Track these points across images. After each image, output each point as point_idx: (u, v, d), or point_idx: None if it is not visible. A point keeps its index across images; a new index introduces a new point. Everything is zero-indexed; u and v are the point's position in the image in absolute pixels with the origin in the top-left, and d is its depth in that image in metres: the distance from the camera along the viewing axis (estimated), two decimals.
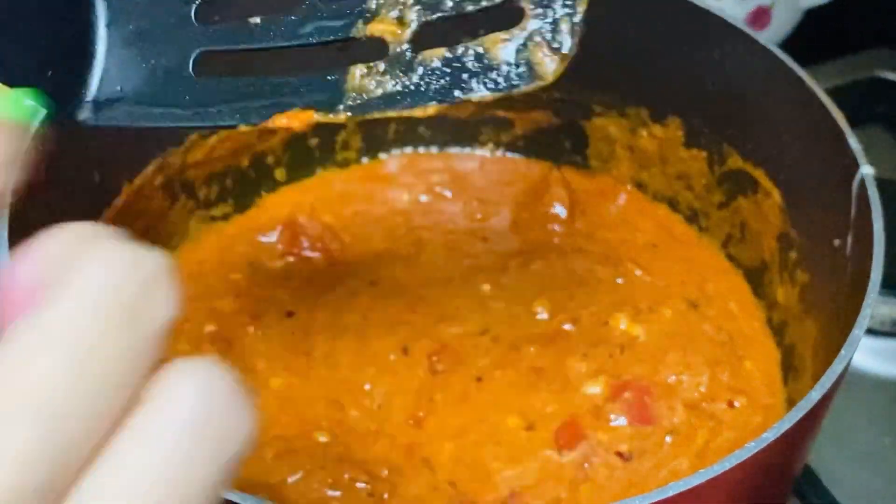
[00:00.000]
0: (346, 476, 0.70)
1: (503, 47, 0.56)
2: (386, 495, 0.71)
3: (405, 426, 0.75)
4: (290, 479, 0.71)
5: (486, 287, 0.85)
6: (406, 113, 0.55)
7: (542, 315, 0.83)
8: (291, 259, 0.87)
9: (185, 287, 0.88)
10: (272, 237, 0.88)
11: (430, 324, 0.82)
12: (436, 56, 0.56)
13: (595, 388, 0.78)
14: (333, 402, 0.77)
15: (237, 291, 0.85)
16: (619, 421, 0.76)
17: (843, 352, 0.59)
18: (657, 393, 0.77)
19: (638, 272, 0.86)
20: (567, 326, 0.82)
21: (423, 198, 0.94)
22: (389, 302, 0.84)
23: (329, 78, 0.57)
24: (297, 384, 0.78)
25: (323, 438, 0.74)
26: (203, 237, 0.89)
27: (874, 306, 0.62)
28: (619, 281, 0.86)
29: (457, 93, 0.55)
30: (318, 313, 0.83)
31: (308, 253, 0.88)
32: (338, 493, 0.70)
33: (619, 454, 0.74)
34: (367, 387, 0.78)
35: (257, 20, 0.58)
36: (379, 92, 0.56)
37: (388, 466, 0.72)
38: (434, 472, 0.73)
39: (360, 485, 0.70)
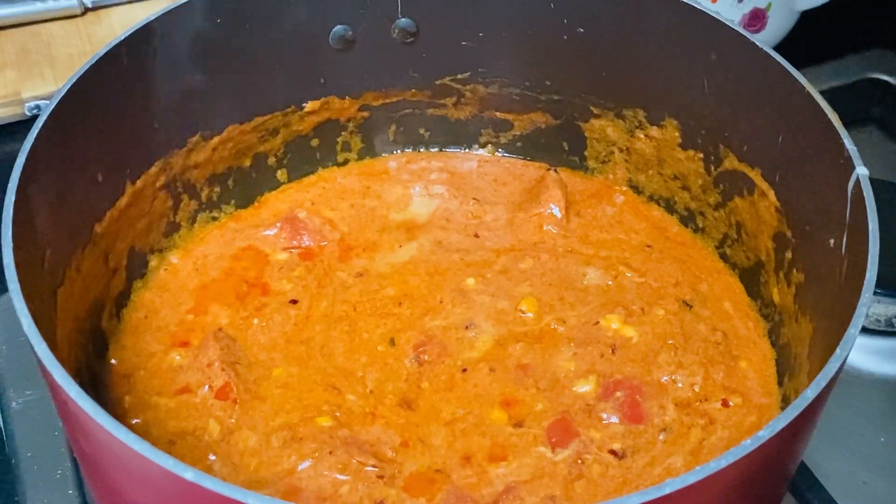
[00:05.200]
0: (355, 461, 0.71)
1: None
2: (395, 475, 0.72)
3: (398, 409, 0.77)
4: (300, 467, 0.72)
5: (471, 281, 0.86)
6: None
7: (529, 314, 0.84)
8: (293, 251, 0.88)
9: (189, 280, 0.90)
10: (273, 231, 0.89)
11: (415, 316, 0.84)
12: None
13: (585, 387, 0.78)
14: (331, 388, 0.78)
15: (240, 283, 0.86)
16: (612, 419, 0.76)
17: (838, 351, 0.59)
18: (649, 392, 0.78)
19: (629, 273, 0.87)
20: (555, 326, 0.83)
21: (420, 194, 0.94)
22: (377, 294, 0.85)
23: None
24: (297, 373, 0.79)
25: (326, 423, 0.75)
26: (206, 232, 0.90)
27: (869, 305, 0.63)
28: (611, 283, 0.86)
29: None
30: (316, 303, 0.84)
31: (308, 244, 0.89)
32: (348, 478, 0.71)
33: (613, 452, 0.74)
34: (359, 374, 0.79)
35: None
36: None
37: (391, 447, 0.74)
38: (432, 452, 0.74)
39: (368, 468, 0.71)
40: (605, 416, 0.76)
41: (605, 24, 0.88)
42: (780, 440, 0.56)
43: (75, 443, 0.64)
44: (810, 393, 0.57)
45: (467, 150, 0.99)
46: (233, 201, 0.92)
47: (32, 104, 1.09)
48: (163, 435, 0.74)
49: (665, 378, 0.79)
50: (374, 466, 0.71)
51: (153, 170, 0.84)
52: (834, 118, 0.72)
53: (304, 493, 0.70)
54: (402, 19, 0.90)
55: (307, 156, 0.95)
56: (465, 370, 0.80)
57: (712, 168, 0.88)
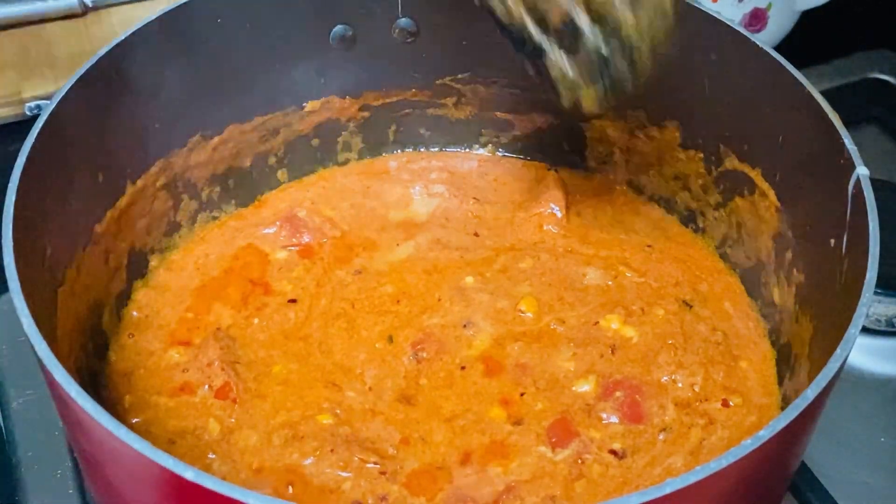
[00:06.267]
0: (357, 458, 0.72)
1: None
2: (396, 471, 0.72)
3: (397, 404, 0.77)
4: (302, 465, 0.72)
5: (470, 280, 0.86)
6: None
7: (528, 314, 0.84)
8: (292, 249, 0.89)
9: (189, 279, 0.90)
10: (273, 229, 0.89)
11: (413, 314, 0.84)
12: None
13: (585, 387, 0.78)
14: (331, 385, 0.78)
15: (240, 281, 0.86)
16: (612, 419, 0.76)
17: (838, 350, 0.59)
18: (649, 392, 0.78)
19: (629, 274, 0.87)
20: (555, 326, 0.83)
21: (420, 193, 0.95)
22: (375, 292, 0.86)
23: None
24: (297, 369, 0.80)
25: (327, 420, 0.75)
26: (206, 231, 0.90)
27: (869, 305, 0.62)
28: (610, 283, 0.86)
29: None
30: (315, 301, 0.85)
31: (307, 241, 0.89)
32: (349, 475, 0.71)
33: (613, 452, 0.74)
34: (358, 371, 0.79)
35: None
36: None
37: (392, 444, 0.74)
38: (432, 450, 0.74)
39: (370, 465, 0.72)
40: (604, 415, 0.76)
41: None
42: (780, 440, 0.56)
43: (75, 442, 0.64)
44: (810, 393, 0.57)
45: (467, 150, 0.99)
46: (233, 201, 0.92)
47: (32, 104, 1.09)
48: (163, 434, 0.74)
49: (665, 378, 0.79)
50: (375, 463, 0.72)
51: (153, 170, 0.84)
52: (834, 118, 0.72)
53: (306, 488, 0.71)
54: (403, 19, 0.90)
55: (307, 155, 0.95)
56: (463, 368, 0.80)
57: (713, 168, 0.88)
